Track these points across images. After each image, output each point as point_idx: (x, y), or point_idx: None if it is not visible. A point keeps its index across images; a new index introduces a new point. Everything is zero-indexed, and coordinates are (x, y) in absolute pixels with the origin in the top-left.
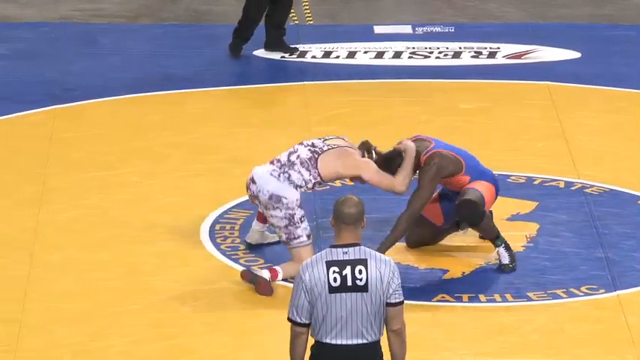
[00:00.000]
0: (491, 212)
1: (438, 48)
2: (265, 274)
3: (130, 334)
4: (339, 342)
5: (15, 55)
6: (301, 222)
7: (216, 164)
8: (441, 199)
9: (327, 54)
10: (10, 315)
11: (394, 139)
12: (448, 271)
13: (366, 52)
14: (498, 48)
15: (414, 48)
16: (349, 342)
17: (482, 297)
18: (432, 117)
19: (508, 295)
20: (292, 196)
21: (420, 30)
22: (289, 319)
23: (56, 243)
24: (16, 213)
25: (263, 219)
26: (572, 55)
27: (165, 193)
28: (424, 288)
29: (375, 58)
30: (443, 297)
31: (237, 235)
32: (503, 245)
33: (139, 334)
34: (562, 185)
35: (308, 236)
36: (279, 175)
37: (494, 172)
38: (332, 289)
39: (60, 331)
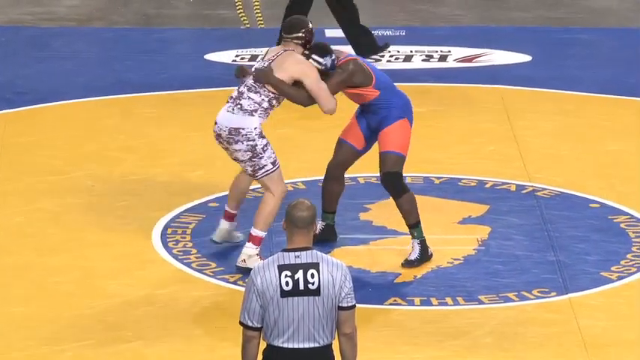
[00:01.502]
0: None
1: (389, 51)
2: (250, 251)
3: (84, 338)
4: (290, 346)
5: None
6: (264, 151)
7: (170, 167)
8: (361, 123)
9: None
10: None
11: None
12: (400, 274)
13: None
14: (449, 51)
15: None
16: (301, 346)
17: (434, 300)
18: None
19: (460, 299)
20: (249, 124)
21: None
22: (241, 323)
23: (9, 247)
24: None
25: (229, 217)
26: (524, 58)
27: (118, 197)
28: (376, 291)
29: None
30: (395, 300)
31: (188, 240)
32: (419, 241)
33: (93, 338)
34: (513, 188)
35: (273, 163)
36: (232, 109)
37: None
38: (284, 293)
39: (13, 336)
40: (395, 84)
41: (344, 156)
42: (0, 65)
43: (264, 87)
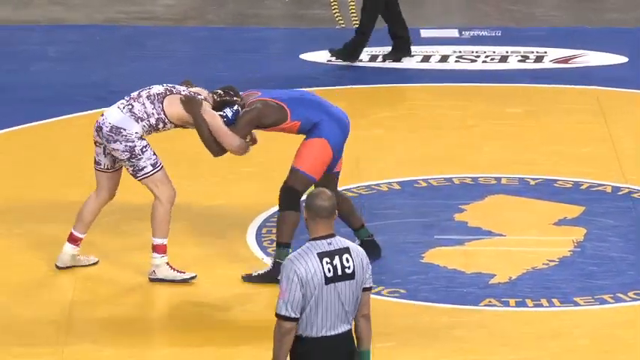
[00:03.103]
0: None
1: (485, 52)
2: (157, 261)
3: (174, 340)
4: (331, 333)
5: (62, 58)
6: (142, 153)
7: (264, 166)
8: None
9: (373, 58)
10: (57, 316)
11: (441, 143)
12: (495, 275)
13: (412, 56)
14: (545, 52)
15: (460, 52)
16: (339, 330)
17: (529, 302)
18: (479, 121)
19: (555, 300)
20: (131, 128)
21: (466, 34)
22: (281, 316)
23: (106, 244)
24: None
25: (74, 240)
26: (620, 59)
27: (214, 196)
28: (471, 292)
29: (422, 61)
30: (490, 301)
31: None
32: (274, 262)
33: (187, 337)
34: (609, 190)
35: (153, 165)
36: (123, 108)
37: (344, 115)
38: (327, 280)
39: (117, 335)
40: (327, 100)
41: (321, 183)
42: (95, 64)
43: (162, 103)
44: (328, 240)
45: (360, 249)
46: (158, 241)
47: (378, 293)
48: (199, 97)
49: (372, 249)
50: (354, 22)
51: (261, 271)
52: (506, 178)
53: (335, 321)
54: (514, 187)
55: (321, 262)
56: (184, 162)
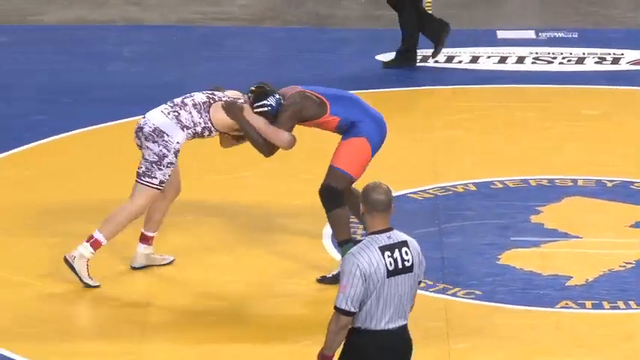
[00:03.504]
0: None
1: (562, 53)
2: (85, 252)
3: (254, 337)
4: (390, 326)
5: (137, 58)
6: (166, 167)
7: None
8: None
9: (449, 59)
10: (134, 315)
11: (517, 144)
12: (572, 277)
13: (489, 57)
14: (622, 54)
15: (537, 53)
16: (397, 324)
17: (605, 304)
18: (555, 123)
19: (632, 302)
20: (175, 135)
21: (543, 35)
22: (342, 310)
23: (180, 245)
24: None
25: (146, 239)
26: None
27: (290, 196)
28: (547, 294)
29: (498, 63)
30: (566, 303)
31: (359, 240)
32: None
33: (263, 337)
34: None
35: (160, 182)
36: (168, 113)
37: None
38: (389, 274)
39: (182, 333)
40: (365, 101)
41: None
42: (171, 64)
43: (208, 112)
44: (387, 234)
45: (416, 243)
46: (100, 237)
47: (454, 294)
48: (240, 101)
49: None
50: None
51: (335, 272)
52: (583, 180)
53: (393, 314)
54: (590, 188)
55: (383, 255)
56: (263, 162)
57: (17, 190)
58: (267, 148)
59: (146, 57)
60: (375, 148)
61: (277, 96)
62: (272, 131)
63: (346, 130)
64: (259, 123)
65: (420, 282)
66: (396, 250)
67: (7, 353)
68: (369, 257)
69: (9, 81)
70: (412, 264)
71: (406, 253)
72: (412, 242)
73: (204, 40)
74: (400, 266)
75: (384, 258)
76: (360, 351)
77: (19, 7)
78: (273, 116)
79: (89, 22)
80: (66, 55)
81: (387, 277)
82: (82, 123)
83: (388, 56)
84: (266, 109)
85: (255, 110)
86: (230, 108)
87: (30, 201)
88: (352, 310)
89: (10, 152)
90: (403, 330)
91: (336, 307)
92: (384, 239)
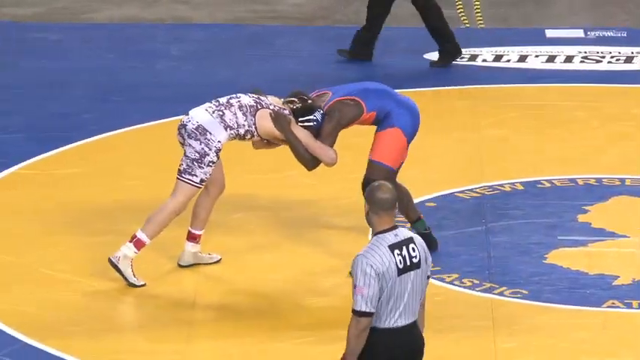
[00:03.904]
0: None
1: (610, 52)
2: (128, 252)
3: (301, 336)
4: (400, 323)
5: (186, 57)
6: (207, 166)
7: None
8: None
9: (497, 57)
10: (181, 314)
11: (564, 143)
12: (619, 277)
13: (537, 56)
14: None
15: (585, 52)
16: (408, 321)
17: None
18: (603, 122)
19: None
20: (218, 134)
21: (592, 34)
22: (363, 313)
23: (226, 243)
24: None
25: (193, 238)
26: None
27: (336, 194)
28: (594, 294)
29: (547, 62)
30: (613, 303)
31: None
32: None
33: (312, 335)
34: None
35: (201, 181)
36: (213, 112)
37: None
38: (399, 272)
39: (231, 330)
40: (397, 91)
41: None
42: (221, 63)
43: (254, 117)
44: (394, 232)
45: (420, 238)
46: (143, 237)
47: (501, 294)
48: (285, 112)
49: (428, 242)
50: (479, 21)
51: None
52: (631, 180)
53: (403, 312)
54: (638, 188)
55: (393, 254)
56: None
57: (64, 188)
58: (312, 163)
59: (195, 56)
60: (410, 137)
61: (321, 111)
62: (318, 147)
63: (381, 120)
64: (305, 137)
65: (428, 277)
66: (404, 248)
67: (54, 351)
68: (381, 257)
69: (59, 79)
70: (419, 260)
71: (413, 249)
72: (417, 238)
73: (253, 39)
74: (409, 263)
75: (394, 256)
76: (371, 350)
77: (71, 6)
78: (315, 131)
79: (139, 21)
80: (116, 54)
81: (398, 275)
82: (130, 121)
83: (436, 55)
84: (312, 124)
85: (301, 124)
86: (278, 119)
87: (77, 199)
88: (372, 310)
89: (59, 150)
90: (413, 327)
91: (355, 311)
92: (391, 238)
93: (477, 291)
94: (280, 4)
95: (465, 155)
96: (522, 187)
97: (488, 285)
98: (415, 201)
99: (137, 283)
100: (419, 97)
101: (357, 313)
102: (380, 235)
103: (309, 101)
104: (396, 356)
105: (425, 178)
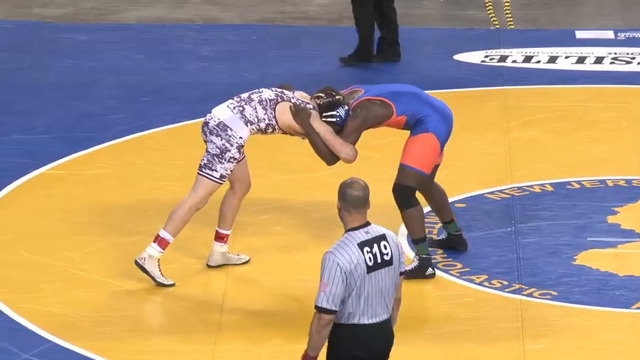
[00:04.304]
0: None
1: None
2: (153, 252)
3: None
4: (373, 320)
5: (216, 57)
6: (228, 162)
7: None
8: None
9: (527, 58)
10: (209, 315)
11: (594, 145)
12: None
13: (567, 57)
14: None
15: (616, 53)
16: (379, 319)
17: None
18: (634, 122)
19: None
20: (239, 130)
21: (622, 35)
22: (323, 309)
23: (257, 245)
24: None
25: (220, 238)
26: None
27: None
28: (623, 295)
29: (577, 63)
30: None
31: (434, 240)
32: (419, 258)
33: None
34: None
35: (221, 177)
36: (234, 108)
37: None
38: (369, 269)
39: (256, 333)
40: (428, 92)
41: None
42: (250, 63)
43: (274, 110)
44: (365, 229)
45: (393, 234)
46: (166, 235)
47: (530, 295)
48: (309, 106)
49: (458, 243)
50: (509, 22)
51: (407, 268)
52: None
53: (376, 309)
54: None
55: (362, 251)
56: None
57: (94, 188)
58: (331, 158)
59: (224, 56)
60: (444, 142)
61: (346, 107)
62: (338, 143)
63: (413, 125)
64: (325, 132)
65: (401, 273)
66: (375, 245)
67: (82, 351)
68: (349, 255)
69: (89, 79)
70: (392, 257)
71: (385, 246)
72: (390, 235)
73: (282, 39)
74: (380, 260)
75: (363, 254)
76: (344, 346)
77: (100, 6)
78: (340, 127)
79: (168, 21)
80: (145, 54)
81: (368, 272)
82: (159, 122)
83: (466, 56)
84: (335, 119)
85: (324, 119)
86: (298, 112)
87: (106, 199)
88: (333, 308)
89: (88, 150)
90: (385, 324)
91: (316, 307)
92: (362, 235)
93: (506, 292)
94: (308, 5)
95: (494, 156)
96: (552, 189)
97: (518, 286)
98: None
99: (166, 283)
100: (449, 98)
101: (318, 309)
102: (350, 233)
103: (338, 97)
104: (367, 353)
105: (455, 179)
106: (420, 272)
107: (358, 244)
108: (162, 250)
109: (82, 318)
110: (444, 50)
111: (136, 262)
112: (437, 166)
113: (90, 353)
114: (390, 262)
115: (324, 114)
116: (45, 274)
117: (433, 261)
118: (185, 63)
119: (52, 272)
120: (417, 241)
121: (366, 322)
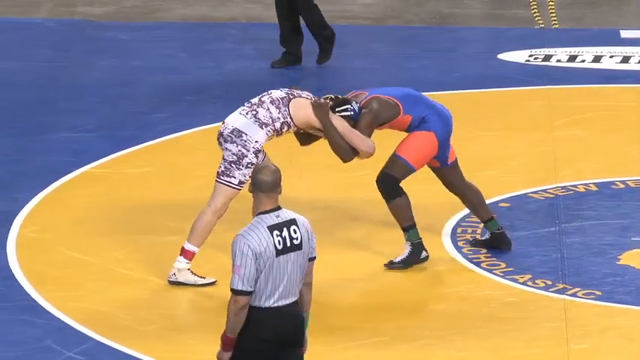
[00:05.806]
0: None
1: None
2: (181, 265)
3: (377, 335)
4: (280, 303)
5: (259, 55)
6: (245, 167)
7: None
8: None
9: (572, 58)
10: None
11: (639, 144)
12: None
13: (612, 57)
14: None
15: None
16: (288, 301)
17: None
18: None
19: None
20: (254, 134)
21: None
22: (238, 291)
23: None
24: None
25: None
26: None
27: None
28: None
29: (621, 62)
30: None
31: (478, 239)
32: (410, 244)
33: (386, 334)
34: None
35: (240, 183)
36: (246, 114)
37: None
38: (278, 252)
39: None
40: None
41: (445, 175)
42: None
43: (288, 107)
44: (275, 213)
45: (305, 219)
46: (191, 247)
47: (574, 295)
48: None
49: (501, 242)
50: (553, 22)
51: (401, 257)
52: None
53: (283, 292)
54: None
55: (272, 234)
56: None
57: (136, 187)
58: (349, 153)
59: (267, 55)
60: (442, 144)
61: (356, 104)
62: (356, 136)
63: (416, 126)
64: (342, 126)
65: (311, 259)
66: (284, 229)
67: (126, 350)
68: (259, 237)
69: (131, 78)
70: (301, 241)
71: (294, 231)
72: (301, 219)
73: None
74: (289, 244)
75: (272, 237)
76: (251, 327)
77: (143, 5)
78: (353, 121)
79: (211, 20)
80: (187, 53)
81: (276, 255)
82: (202, 121)
83: (510, 55)
84: (349, 113)
85: (339, 114)
86: (319, 107)
87: (148, 198)
88: (248, 289)
89: (131, 149)
90: (293, 307)
91: (232, 289)
92: (272, 219)
93: (550, 292)
94: (351, 4)
95: (538, 156)
96: (596, 188)
97: (562, 286)
98: (488, 201)
99: (206, 282)
100: (493, 97)
101: (233, 292)
102: (260, 216)
103: (345, 97)
104: (274, 335)
105: (499, 179)
106: (414, 258)
107: (268, 227)
108: (188, 261)
109: (125, 316)
110: (488, 49)
111: (170, 282)
112: (455, 161)
113: (133, 351)
114: (299, 247)
115: (337, 109)
116: (89, 272)
117: (477, 261)
118: (228, 62)
119: (96, 270)
120: (406, 228)
121: (272, 304)
